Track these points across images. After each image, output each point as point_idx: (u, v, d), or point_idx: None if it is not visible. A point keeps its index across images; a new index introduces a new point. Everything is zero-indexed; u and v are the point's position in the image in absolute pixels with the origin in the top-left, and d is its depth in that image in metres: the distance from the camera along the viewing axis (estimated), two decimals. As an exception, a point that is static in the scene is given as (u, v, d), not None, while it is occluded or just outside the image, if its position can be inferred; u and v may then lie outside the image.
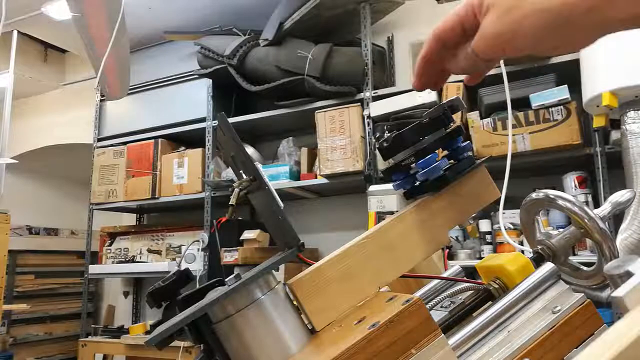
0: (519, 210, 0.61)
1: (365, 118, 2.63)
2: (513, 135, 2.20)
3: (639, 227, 0.82)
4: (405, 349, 0.39)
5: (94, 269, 3.48)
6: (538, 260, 0.54)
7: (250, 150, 3.16)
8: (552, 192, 0.57)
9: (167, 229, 3.49)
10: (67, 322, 5.01)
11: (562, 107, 2.19)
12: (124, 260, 3.51)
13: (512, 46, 0.40)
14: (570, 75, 2.08)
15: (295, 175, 2.93)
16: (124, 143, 3.51)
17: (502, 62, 1.18)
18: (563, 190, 1.48)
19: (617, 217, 0.67)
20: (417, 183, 0.53)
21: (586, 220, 0.51)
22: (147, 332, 3.19)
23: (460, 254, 2.44)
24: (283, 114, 2.96)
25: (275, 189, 0.48)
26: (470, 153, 0.54)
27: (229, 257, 2.69)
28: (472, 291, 0.53)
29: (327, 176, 2.72)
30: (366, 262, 0.48)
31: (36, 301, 4.70)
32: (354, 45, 2.84)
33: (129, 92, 3.14)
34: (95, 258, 3.76)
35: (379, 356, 0.39)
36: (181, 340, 0.45)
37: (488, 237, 2.43)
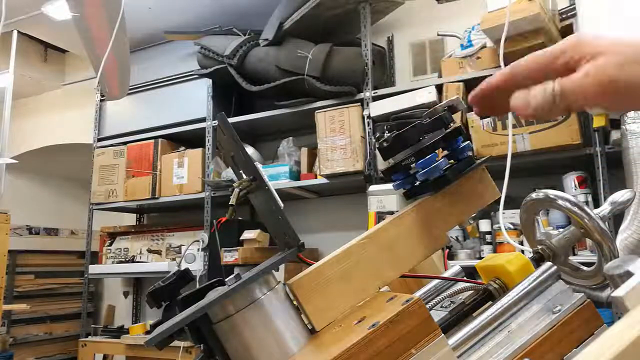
0: (519, 210, 0.61)
1: (365, 118, 2.63)
2: (513, 135, 2.20)
3: (639, 227, 0.82)
4: (405, 349, 0.39)
5: (94, 269, 3.48)
6: (538, 260, 0.54)
7: (250, 150, 3.16)
8: (552, 192, 0.57)
9: (167, 229, 3.49)
10: (67, 322, 5.01)
11: (562, 107, 2.19)
12: (124, 260, 3.51)
13: (619, 99, 0.39)
14: (570, 75, 2.08)
15: (295, 175, 2.93)
16: (124, 143, 3.51)
17: (502, 62, 1.18)
18: (563, 190, 1.48)
19: (617, 217, 0.67)
20: (417, 183, 0.53)
21: (586, 220, 0.51)
22: (147, 332, 3.19)
23: (460, 254, 2.44)
24: (283, 114, 2.96)
25: (275, 189, 0.48)
26: (470, 153, 0.54)
27: (229, 257, 2.69)
28: (472, 291, 0.53)
29: (327, 176, 2.71)
30: (366, 262, 0.48)
31: (36, 301, 4.69)
32: (354, 45, 2.83)
33: (129, 92, 3.14)
34: (95, 258, 3.76)
35: (379, 356, 0.39)
36: (181, 340, 0.45)
37: (488, 237, 2.43)
